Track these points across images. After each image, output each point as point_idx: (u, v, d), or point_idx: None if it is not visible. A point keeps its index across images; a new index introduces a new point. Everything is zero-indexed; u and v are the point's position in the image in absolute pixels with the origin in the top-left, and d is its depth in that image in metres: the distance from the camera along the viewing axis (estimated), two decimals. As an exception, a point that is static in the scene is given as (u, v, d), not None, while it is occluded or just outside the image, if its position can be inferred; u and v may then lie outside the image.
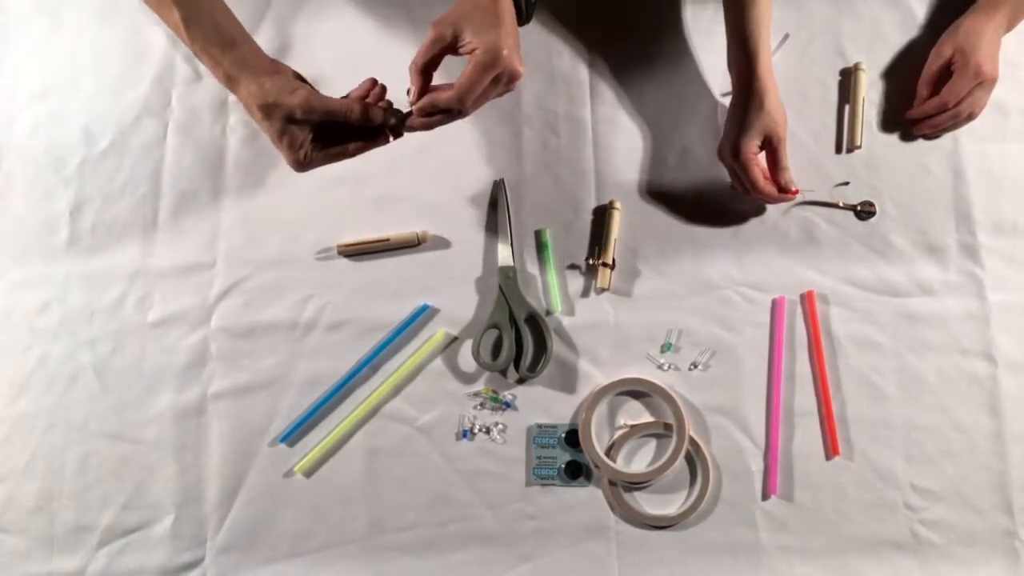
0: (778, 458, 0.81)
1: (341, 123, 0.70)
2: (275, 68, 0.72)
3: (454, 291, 0.85)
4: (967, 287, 0.84)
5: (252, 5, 0.91)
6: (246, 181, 0.88)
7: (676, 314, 0.84)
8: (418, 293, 0.85)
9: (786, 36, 0.90)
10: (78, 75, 0.91)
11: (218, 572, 0.80)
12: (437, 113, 0.69)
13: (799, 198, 0.84)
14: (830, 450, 0.81)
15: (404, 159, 0.86)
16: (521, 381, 0.84)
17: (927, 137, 0.87)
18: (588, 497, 0.81)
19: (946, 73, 0.85)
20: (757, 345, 0.83)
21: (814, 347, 0.83)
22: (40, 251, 0.87)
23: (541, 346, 0.84)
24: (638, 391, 0.83)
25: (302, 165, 0.72)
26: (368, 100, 0.73)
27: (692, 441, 0.81)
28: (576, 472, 0.81)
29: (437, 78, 0.70)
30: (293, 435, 0.82)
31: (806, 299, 0.84)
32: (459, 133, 0.87)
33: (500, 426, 0.83)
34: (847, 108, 0.89)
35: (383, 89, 0.74)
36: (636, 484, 0.81)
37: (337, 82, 0.89)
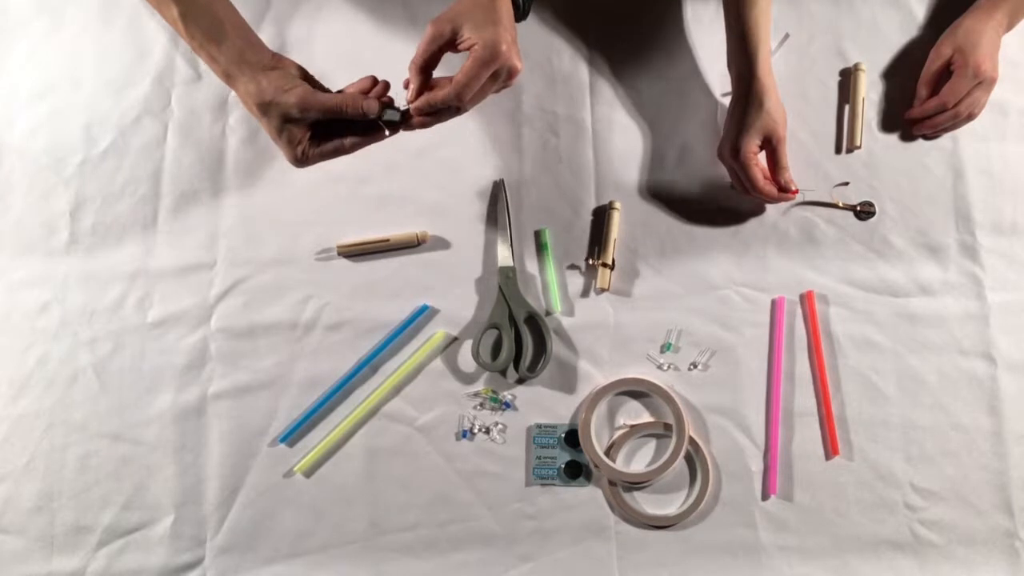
0: (778, 458, 0.81)
1: (339, 119, 0.70)
2: (275, 62, 0.71)
3: (454, 291, 0.85)
4: (967, 287, 0.84)
5: (252, 5, 0.91)
6: (246, 181, 0.88)
7: (676, 314, 0.84)
8: (418, 293, 0.85)
9: (786, 36, 0.90)
10: (78, 75, 0.91)
11: (218, 572, 0.80)
12: (436, 111, 0.70)
13: (799, 198, 0.84)
14: (830, 450, 0.81)
15: (404, 159, 0.86)
16: (521, 381, 0.84)
17: (927, 137, 0.87)
18: (588, 497, 0.81)
19: (945, 73, 0.85)
20: (757, 345, 0.83)
21: (814, 347, 0.83)
22: (40, 251, 0.87)
23: (541, 346, 0.84)
24: (638, 391, 0.83)
25: (301, 162, 0.72)
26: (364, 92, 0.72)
27: (692, 441, 0.81)
28: (576, 472, 0.81)
29: (437, 73, 0.71)
30: (293, 435, 0.82)
31: (806, 299, 0.84)
32: (459, 133, 0.87)
33: (500, 426, 0.83)
34: (847, 108, 0.89)
35: (385, 85, 0.73)
36: (636, 484, 0.81)
37: (337, 81, 0.89)
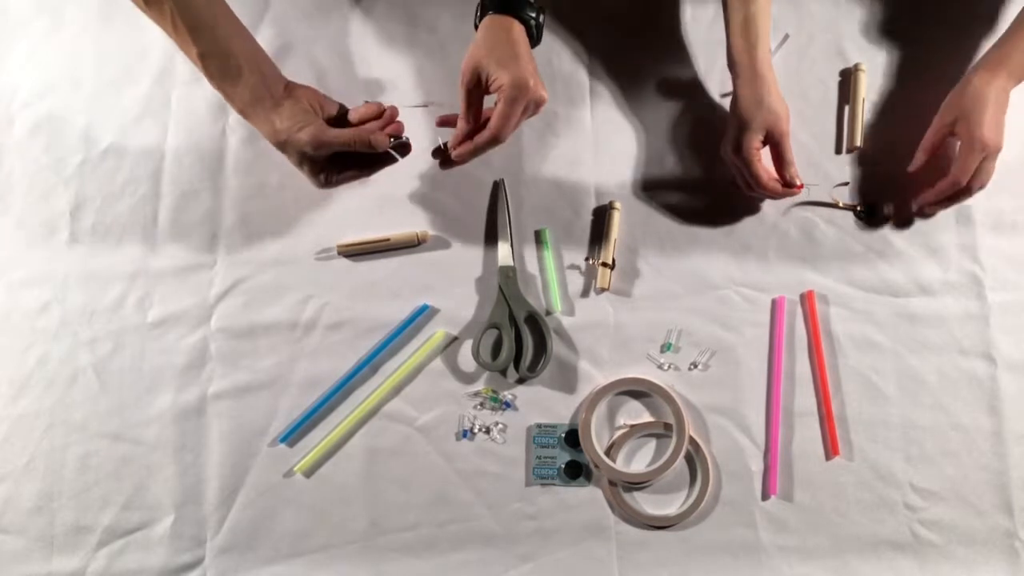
0: (778, 458, 0.81)
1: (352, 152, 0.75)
2: (287, 94, 0.75)
3: (454, 291, 0.85)
4: (967, 287, 0.84)
5: (251, 5, 0.91)
6: (246, 181, 0.88)
7: (676, 314, 0.84)
8: (418, 293, 0.85)
9: (786, 36, 0.90)
10: (78, 75, 0.91)
11: (218, 572, 0.80)
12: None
13: (803, 194, 0.83)
14: (830, 450, 0.81)
15: (404, 159, 0.85)
16: (521, 381, 0.84)
17: (926, 215, 0.85)
18: (588, 497, 0.81)
19: (947, 138, 0.81)
20: (757, 345, 0.83)
21: (814, 347, 0.83)
22: (40, 251, 0.87)
23: (541, 346, 0.84)
24: (638, 391, 0.83)
25: (325, 186, 0.77)
26: (373, 124, 0.77)
27: (692, 441, 0.81)
28: (576, 472, 0.81)
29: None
30: (293, 435, 0.82)
31: (806, 299, 0.84)
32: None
33: (500, 426, 0.83)
34: (847, 108, 0.89)
35: (394, 112, 0.78)
36: (636, 484, 0.81)
37: (338, 81, 0.90)
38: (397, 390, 0.83)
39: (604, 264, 0.84)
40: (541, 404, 0.83)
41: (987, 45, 0.84)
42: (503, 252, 0.85)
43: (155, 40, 0.91)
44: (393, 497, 0.81)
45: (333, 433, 0.82)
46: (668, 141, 0.89)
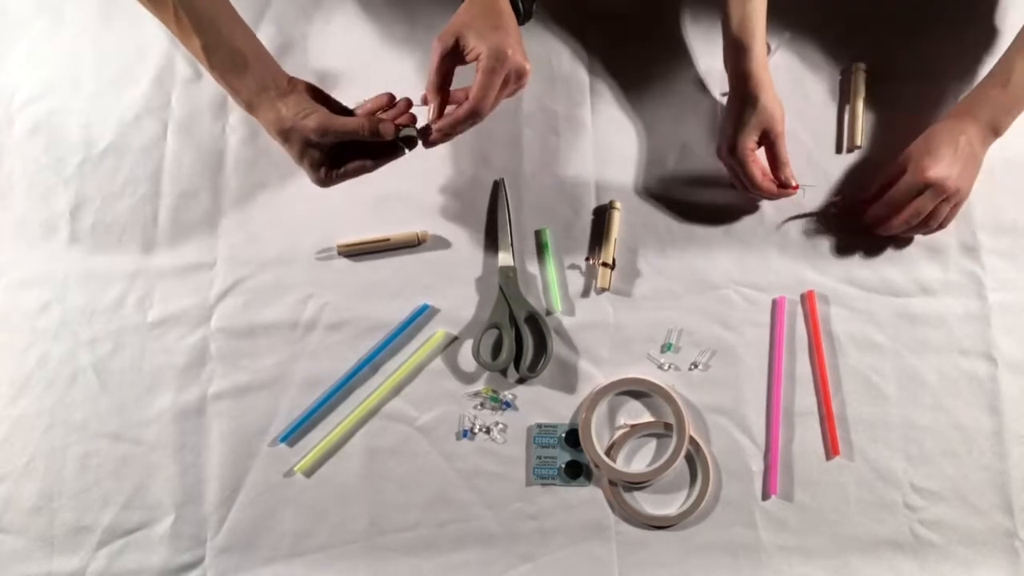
0: (778, 458, 0.81)
1: (358, 141, 0.72)
2: (291, 87, 0.73)
3: (454, 291, 0.85)
4: (967, 287, 0.84)
5: (252, 4, 0.91)
6: (246, 181, 0.88)
7: (676, 314, 0.84)
8: (418, 293, 0.85)
9: (786, 36, 0.90)
10: (78, 75, 0.91)
11: (218, 572, 0.80)
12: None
13: (799, 194, 0.83)
14: (830, 450, 0.81)
15: (404, 159, 0.85)
16: (521, 381, 0.84)
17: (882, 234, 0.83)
18: (588, 497, 0.81)
19: (898, 176, 0.80)
20: (757, 345, 0.83)
21: (814, 347, 0.83)
22: (40, 251, 0.87)
23: (541, 346, 0.84)
24: (638, 391, 0.83)
25: (324, 182, 0.74)
26: (382, 114, 0.74)
27: (692, 441, 0.81)
28: (576, 472, 0.81)
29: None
30: (293, 435, 0.82)
31: (806, 299, 0.84)
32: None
33: (500, 426, 0.83)
34: (847, 108, 0.89)
35: (407, 104, 0.75)
36: (636, 484, 0.81)
37: (339, 80, 0.90)
38: (397, 390, 0.83)
39: (604, 264, 0.84)
40: (541, 404, 0.83)
41: (987, 45, 0.85)
42: (503, 252, 0.85)
43: (155, 40, 0.91)
44: (393, 497, 0.81)
45: (333, 433, 0.82)
46: (668, 141, 0.89)
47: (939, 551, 0.79)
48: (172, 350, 0.84)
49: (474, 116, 0.70)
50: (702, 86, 0.90)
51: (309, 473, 0.82)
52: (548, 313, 0.85)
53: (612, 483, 0.80)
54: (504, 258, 0.85)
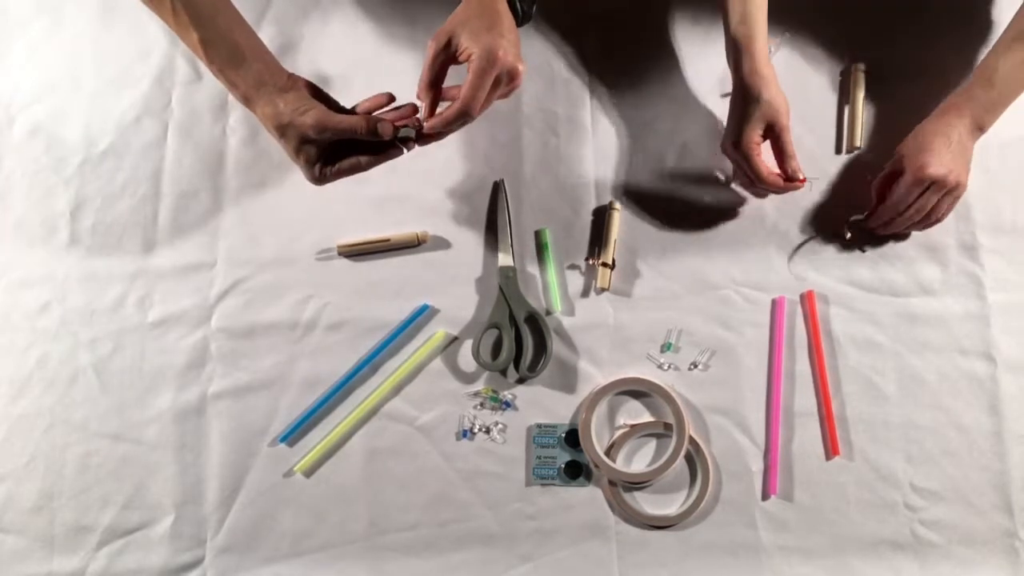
0: (778, 458, 0.81)
1: (355, 139, 0.72)
2: (290, 83, 0.73)
3: (454, 291, 0.85)
4: (967, 287, 0.84)
5: (252, 5, 0.91)
6: (246, 181, 0.88)
7: (676, 314, 0.84)
8: (418, 293, 0.85)
9: (786, 36, 0.90)
10: (78, 75, 0.91)
11: (218, 572, 0.80)
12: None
13: (805, 188, 0.82)
14: (830, 450, 0.81)
15: (404, 159, 0.85)
16: (521, 381, 0.84)
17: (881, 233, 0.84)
18: (588, 497, 0.81)
19: (896, 177, 0.80)
20: (757, 345, 0.83)
21: (814, 347, 0.83)
22: (40, 251, 0.87)
23: (541, 346, 0.84)
24: (638, 391, 0.83)
25: (319, 180, 0.74)
26: (379, 114, 0.74)
27: (692, 441, 0.81)
28: (576, 472, 0.81)
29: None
30: (293, 435, 0.82)
31: (806, 299, 0.84)
32: (459, 133, 0.86)
33: (500, 426, 0.83)
34: (847, 108, 0.89)
35: (412, 108, 0.75)
36: (636, 484, 0.81)
37: (339, 80, 0.90)
38: (397, 390, 0.83)
39: (604, 264, 0.84)
40: (541, 404, 0.83)
41: (986, 45, 0.85)
42: (503, 252, 0.85)
43: (155, 40, 0.92)
44: (393, 497, 0.81)
45: (333, 433, 0.82)
46: (667, 141, 0.89)
47: (939, 551, 0.79)
48: (172, 350, 0.84)
49: (464, 116, 0.70)
50: (701, 87, 0.90)
51: (309, 473, 0.82)
52: (548, 313, 0.85)
53: (612, 483, 0.80)
54: (504, 258, 0.85)
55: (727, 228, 0.86)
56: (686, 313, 0.84)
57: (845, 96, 0.89)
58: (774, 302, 0.84)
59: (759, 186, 0.81)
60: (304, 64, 0.90)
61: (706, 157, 0.88)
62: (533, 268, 0.86)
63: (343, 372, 0.83)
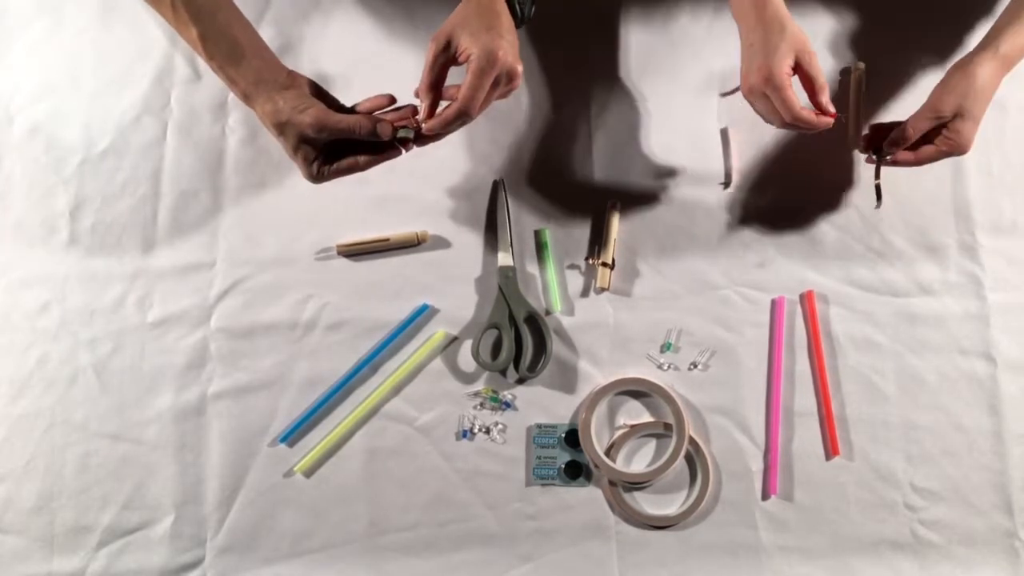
0: (778, 458, 0.81)
1: (353, 139, 0.72)
2: (290, 81, 0.73)
3: (454, 291, 0.85)
4: (967, 287, 0.84)
5: (252, 4, 0.91)
6: (246, 181, 0.88)
7: (676, 314, 0.84)
8: (418, 293, 0.85)
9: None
10: (78, 75, 0.91)
11: (218, 572, 0.80)
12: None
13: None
14: (830, 450, 0.81)
15: (404, 159, 0.85)
16: (521, 381, 0.84)
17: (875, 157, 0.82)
18: (588, 497, 0.81)
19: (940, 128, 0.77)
20: (757, 345, 0.83)
21: (814, 347, 0.83)
22: (40, 251, 0.87)
23: (541, 346, 0.84)
24: (638, 391, 0.83)
25: (316, 178, 0.73)
26: (379, 114, 0.74)
27: (692, 441, 0.81)
28: (576, 472, 0.81)
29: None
30: (293, 435, 0.82)
31: (806, 299, 0.84)
32: (459, 133, 0.86)
33: (500, 426, 0.83)
34: (847, 108, 0.89)
35: (413, 110, 0.75)
36: (636, 484, 0.81)
37: (339, 80, 0.89)
38: (397, 390, 0.83)
39: (604, 264, 0.84)
40: (541, 404, 0.83)
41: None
42: (503, 252, 0.85)
43: (155, 40, 0.91)
44: (393, 497, 0.81)
45: (333, 433, 0.82)
46: (668, 141, 0.89)
47: (939, 551, 0.79)
48: (172, 350, 0.84)
49: (463, 116, 0.70)
50: (702, 86, 0.90)
51: (309, 473, 0.82)
52: (548, 313, 0.85)
53: (612, 483, 0.80)
54: (504, 258, 0.85)
55: (727, 228, 0.86)
56: (686, 313, 0.84)
57: (845, 96, 0.89)
58: (774, 302, 0.84)
59: (790, 123, 0.75)
60: (305, 63, 0.90)
61: (706, 157, 0.87)
62: (533, 268, 0.86)
63: (343, 372, 0.83)
